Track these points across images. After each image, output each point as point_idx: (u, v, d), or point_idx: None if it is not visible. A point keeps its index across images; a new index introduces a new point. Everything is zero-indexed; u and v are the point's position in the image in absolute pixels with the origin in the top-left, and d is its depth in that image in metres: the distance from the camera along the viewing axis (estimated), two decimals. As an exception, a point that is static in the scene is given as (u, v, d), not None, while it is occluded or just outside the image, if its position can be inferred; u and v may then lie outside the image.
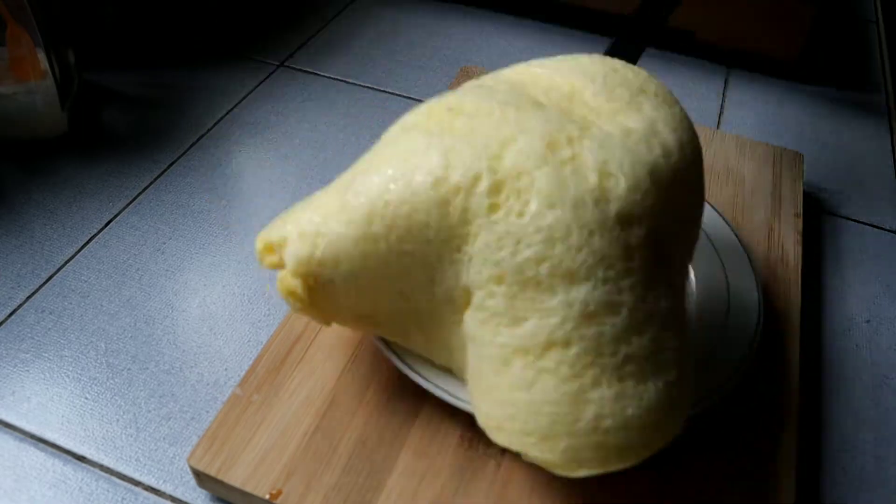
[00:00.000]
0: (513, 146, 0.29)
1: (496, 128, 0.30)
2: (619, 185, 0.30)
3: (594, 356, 0.28)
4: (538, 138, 0.29)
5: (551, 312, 0.28)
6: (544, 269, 0.28)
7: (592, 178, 0.29)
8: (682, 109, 0.37)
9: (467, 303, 0.31)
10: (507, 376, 0.30)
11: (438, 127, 0.31)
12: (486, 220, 0.29)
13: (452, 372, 0.39)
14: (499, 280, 0.29)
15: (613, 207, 0.29)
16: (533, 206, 0.29)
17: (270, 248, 0.34)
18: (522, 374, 0.29)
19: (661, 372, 0.29)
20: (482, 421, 0.33)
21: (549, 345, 0.29)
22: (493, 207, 0.29)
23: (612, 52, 0.51)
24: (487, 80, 0.36)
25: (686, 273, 0.35)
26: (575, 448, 0.29)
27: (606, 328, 0.28)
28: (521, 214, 0.29)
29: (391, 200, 0.30)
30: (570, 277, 0.28)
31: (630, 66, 0.38)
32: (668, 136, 0.33)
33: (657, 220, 0.30)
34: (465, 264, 0.30)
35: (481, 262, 0.29)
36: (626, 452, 0.30)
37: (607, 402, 0.28)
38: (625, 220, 0.29)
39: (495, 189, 0.29)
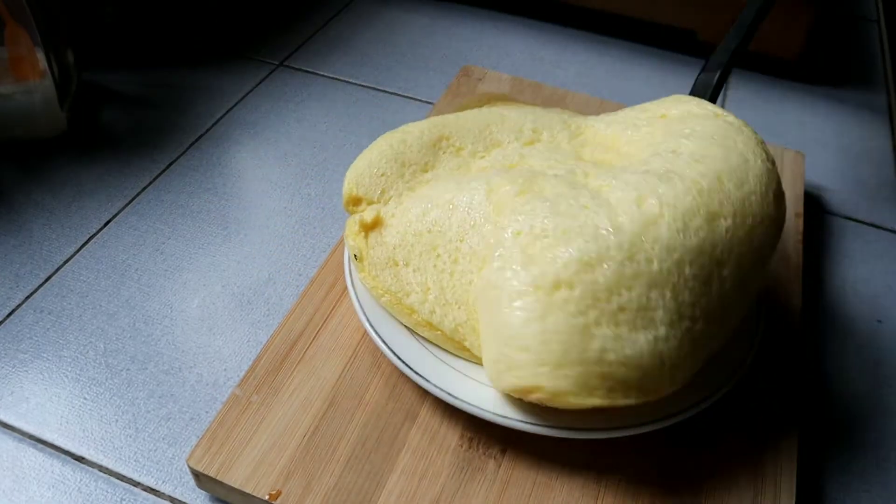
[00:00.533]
0: (546, 170, 0.42)
1: (540, 168, 0.42)
2: (610, 187, 0.38)
3: (593, 300, 0.34)
4: (564, 171, 0.41)
5: (556, 259, 0.35)
6: (549, 226, 0.36)
7: (590, 187, 0.39)
8: (700, 108, 0.43)
9: (486, 259, 0.38)
10: (520, 310, 0.35)
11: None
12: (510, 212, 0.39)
13: (457, 338, 0.40)
14: (517, 234, 0.37)
15: (592, 186, 0.38)
16: (547, 192, 0.39)
17: (358, 200, 0.43)
18: (534, 306, 0.34)
19: (650, 326, 0.34)
20: (492, 368, 0.37)
21: (556, 284, 0.34)
22: (521, 192, 0.40)
23: (705, 70, 0.51)
24: (563, 135, 0.46)
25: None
26: (585, 375, 0.34)
27: (600, 277, 0.34)
28: (541, 191, 0.39)
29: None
30: (567, 234, 0.35)
31: (663, 101, 0.45)
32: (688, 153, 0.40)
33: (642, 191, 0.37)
34: (491, 232, 0.39)
35: (503, 227, 0.38)
36: (629, 389, 0.34)
37: (609, 339, 0.34)
38: (596, 192, 0.38)
39: (524, 189, 0.40)
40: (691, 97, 0.46)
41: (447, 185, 0.43)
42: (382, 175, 0.44)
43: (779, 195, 0.39)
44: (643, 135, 0.43)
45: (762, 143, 0.40)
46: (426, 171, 0.45)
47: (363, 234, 0.42)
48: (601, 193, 0.37)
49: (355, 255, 0.42)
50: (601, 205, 0.36)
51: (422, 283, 0.41)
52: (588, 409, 0.39)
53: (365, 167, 0.44)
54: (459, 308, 0.40)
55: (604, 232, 0.35)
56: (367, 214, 0.43)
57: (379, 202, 0.43)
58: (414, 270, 0.41)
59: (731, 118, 0.42)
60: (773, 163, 0.40)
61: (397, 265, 0.41)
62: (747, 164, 0.38)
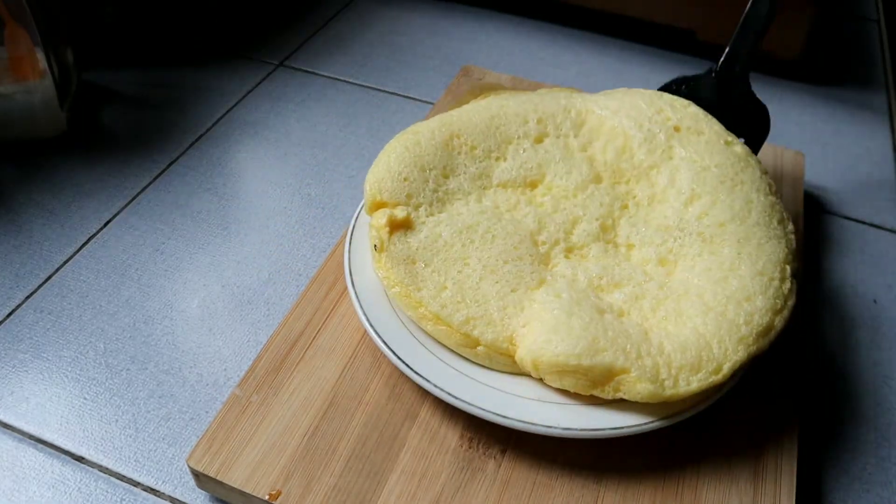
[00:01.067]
0: (579, 226, 0.45)
1: (570, 209, 0.45)
2: (634, 246, 0.45)
3: (636, 301, 0.42)
4: (595, 221, 0.45)
5: (613, 296, 0.42)
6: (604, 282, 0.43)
7: (623, 250, 0.44)
8: (709, 130, 0.48)
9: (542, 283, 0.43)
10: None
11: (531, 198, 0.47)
12: (562, 257, 0.44)
13: (465, 331, 0.40)
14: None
15: (619, 241, 0.45)
16: (590, 255, 0.44)
17: (383, 204, 0.44)
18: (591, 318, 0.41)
19: (689, 317, 0.40)
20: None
21: (602, 310, 0.41)
22: (567, 255, 0.44)
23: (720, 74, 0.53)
24: (567, 126, 0.48)
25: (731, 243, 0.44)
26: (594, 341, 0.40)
27: (646, 289, 0.42)
28: (583, 258, 0.44)
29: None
30: (620, 286, 0.43)
31: (672, 104, 0.49)
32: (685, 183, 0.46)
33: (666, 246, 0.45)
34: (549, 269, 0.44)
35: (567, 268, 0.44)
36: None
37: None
38: (626, 257, 0.45)
39: (569, 250, 0.44)
40: (697, 108, 0.48)
41: (482, 219, 0.44)
42: (405, 179, 0.45)
43: (782, 221, 0.45)
44: (660, 152, 0.47)
45: (766, 173, 0.47)
46: (448, 177, 0.46)
47: (388, 228, 0.43)
48: (630, 257, 0.44)
49: (375, 246, 0.43)
50: (636, 270, 0.43)
51: (438, 282, 0.41)
52: (592, 405, 0.38)
53: (385, 172, 0.45)
54: (478, 305, 0.41)
55: (646, 274, 0.43)
56: (399, 212, 0.43)
57: (408, 205, 0.44)
58: (433, 271, 0.42)
59: (738, 148, 0.47)
60: (777, 193, 0.46)
61: (415, 263, 0.42)
62: (751, 204, 0.45)
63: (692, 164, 0.46)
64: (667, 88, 0.54)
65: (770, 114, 0.53)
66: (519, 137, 0.48)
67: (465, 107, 0.50)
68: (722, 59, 0.53)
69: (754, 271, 0.42)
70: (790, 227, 0.45)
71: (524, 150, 0.47)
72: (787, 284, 0.42)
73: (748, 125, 0.53)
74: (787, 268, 0.43)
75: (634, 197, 0.46)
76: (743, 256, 0.42)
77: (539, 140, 0.48)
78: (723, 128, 0.48)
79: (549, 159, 0.47)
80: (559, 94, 0.50)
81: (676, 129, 0.47)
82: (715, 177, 0.46)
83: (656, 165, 0.47)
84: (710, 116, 0.48)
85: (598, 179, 0.47)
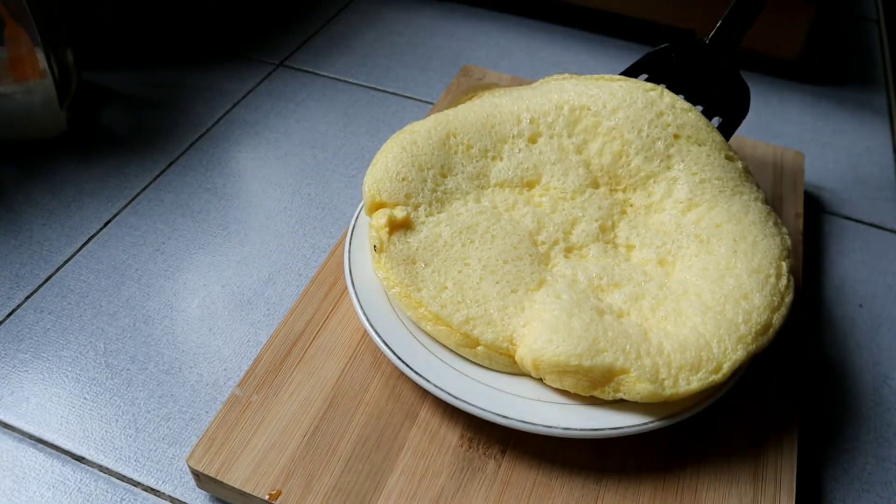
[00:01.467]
0: (578, 226, 0.45)
1: (569, 210, 0.46)
2: (634, 247, 0.45)
3: (636, 301, 0.42)
4: (594, 222, 0.45)
5: (613, 296, 0.42)
6: (603, 281, 0.43)
7: (623, 251, 0.45)
8: (710, 141, 0.47)
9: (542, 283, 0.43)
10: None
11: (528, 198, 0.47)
12: (562, 256, 0.44)
13: (465, 331, 0.40)
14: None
15: (619, 242, 0.45)
16: (590, 255, 0.45)
17: (382, 204, 0.44)
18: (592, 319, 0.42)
19: (688, 317, 0.40)
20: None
21: (613, 286, 0.43)
22: (566, 255, 0.44)
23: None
24: (560, 125, 0.48)
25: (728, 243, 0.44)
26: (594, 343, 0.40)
27: (645, 289, 0.42)
28: (583, 257, 0.44)
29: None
30: (620, 286, 0.43)
31: (673, 106, 0.48)
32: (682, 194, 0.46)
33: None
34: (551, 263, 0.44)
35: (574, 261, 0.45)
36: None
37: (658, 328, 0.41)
38: (625, 257, 0.45)
39: (568, 250, 0.44)
40: (698, 114, 0.47)
41: (482, 220, 0.44)
42: (403, 180, 0.45)
43: (777, 223, 0.45)
44: (658, 161, 0.46)
45: (760, 188, 0.47)
46: (445, 177, 0.46)
47: (388, 228, 0.43)
48: (630, 258, 0.44)
49: (375, 246, 0.43)
50: (635, 270, 0.43)
51: (438, 282, 0.42)
52: (592, 405, 0.38)
53: (383, 172, 0.45)
54: (478, 305, 0.41)
55: (642, 280, 0.43)
56: (398, 212, 0.43)
57: (407, 205, 0.44)
58: (433, 271, 0.42)
59: (740, 164, 0.47)
60: (768, 201, 0.47)
61: (415, 263, 0.42)
62: (748, 207, 0.45)
63: (691, 176, 0.46)
64: (656, 54, 0.54)
65: (770, 114, 0.53)
66: (514, 136, 0.48)
67: (460, 106, 0.50)
68: (716, 28, 0.52)
69: (750, 268, 0.42)
70: (784, 229, 0.46)
71: (520, 150, 0.47)
72: (784, 281, 0.42)
73: (729, 101, 0.53)
74: (783, 264, 0.43)
75: (632, 205, 0.46)
76: (739, 254, 0.43)
77: (533, 140, 0.48)
78: (723, 140, 0.47)
79: (544, 161, 0.47)
80: (551, 88, 0.50)
81: (676, 136, 0.47)
82: (715, 187, 0.46)
83: (654, 175, 0.46)
84: (710, 125, 0.48)
85: (595, 184, 0.47)
